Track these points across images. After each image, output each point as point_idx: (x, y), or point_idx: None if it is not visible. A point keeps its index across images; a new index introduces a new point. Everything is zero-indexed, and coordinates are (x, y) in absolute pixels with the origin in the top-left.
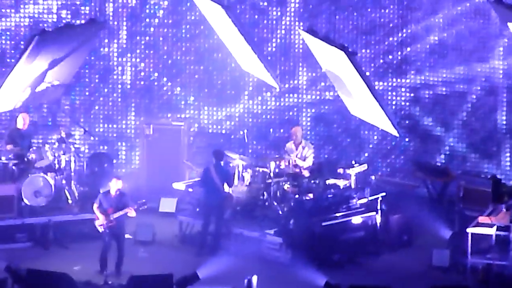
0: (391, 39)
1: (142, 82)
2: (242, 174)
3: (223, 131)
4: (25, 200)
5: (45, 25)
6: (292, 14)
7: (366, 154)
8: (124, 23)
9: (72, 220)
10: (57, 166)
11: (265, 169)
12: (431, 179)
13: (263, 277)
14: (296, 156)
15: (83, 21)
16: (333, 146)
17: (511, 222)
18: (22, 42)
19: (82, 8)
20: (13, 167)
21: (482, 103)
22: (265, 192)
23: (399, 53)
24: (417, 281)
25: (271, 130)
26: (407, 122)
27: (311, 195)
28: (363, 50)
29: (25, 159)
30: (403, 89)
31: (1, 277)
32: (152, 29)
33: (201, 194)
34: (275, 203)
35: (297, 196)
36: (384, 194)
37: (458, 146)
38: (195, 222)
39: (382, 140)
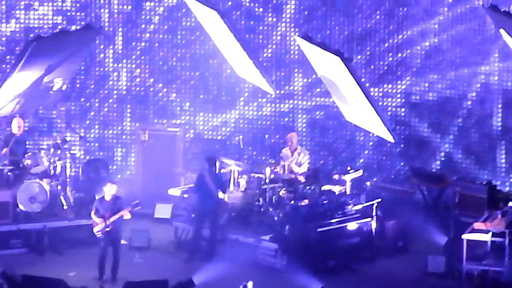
0: (386, 44)
1: (137, 88)
2: (237, 180)
3: (219, 137)
4: (20, 206)
5: (41, 31)
6: (288, 20)
7: (362, 160)
8: (120, 29)
9: (67, 226)
10: (52, 172)
11: (260, 175)
12: (426, 185)
13: (258, 283)
14: (292, 162)
15: (78, 27)
16: (328, 152)
17: (506, 228)
18: (17, 48)
19: (78, 14)
20: (8, 173)
21: (478, 108)
22: (260, 198)
23: (394, 58)
24: (413, 287)
25: (267, 136)
26: (402, 128)
27: (306, 201)
28: (358, 56)
29: (20, 165)
30: (398, 95)
31: None
32: (147, 35)
33: (195, 200)
34: (271, 209)
35: (292, 202)
36: (379, 200)
37: (453, 152)
38: (191, 228)
39: (377, 146)
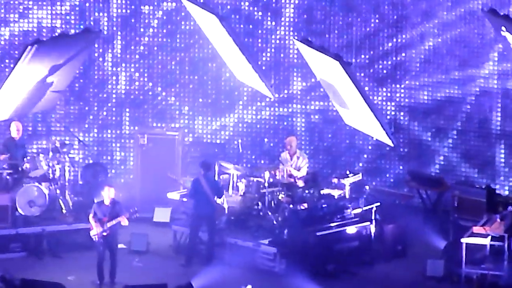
0: (385, 47)
1: (136, 92)
2: (236, 184)
3: (218, 141)
4: (19, 210)
5: (39, 35)
6: (287, 24)
7: (361, 164)
8: (119, 33)
9: (66, 230)
10: (51, 175)
11: (259, 179)
12: (425, 189)
13: (257, 287)
14: (291, 166)
15: (77, 31)
16: (327, 156)
17: (505, 232)
18: (16, 52)
19: (77, 18)
20: (7, 177)
21: (477, 111)
22: (259, 202)
23: (392, 62)
24: None
25: (266, 140)
26: (401, 131)
27: (305, 205)
28: (358, 59)
29: (19, 169)
30: (396, 98)
31: None
32: (146, 38)
33: (191, 205)
34: (270, 213)
35: (291, 206)
36: (378, 204)
37: (452, 155)
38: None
39: (376, 150)
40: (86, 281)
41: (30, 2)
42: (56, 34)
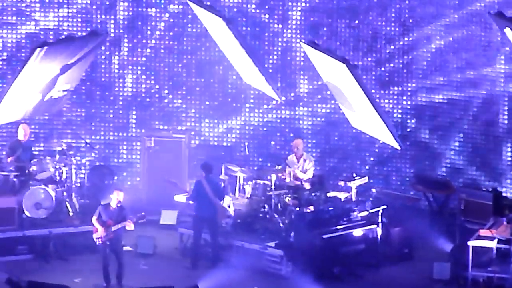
0: (392, 47)
1: (143, 94)
2: (243, 187)
3: (224, 144)
4: (26, 212)
5: (46, 37)
6: (294, 27)
7: (367, 167)
8: (126, 35)
9: (73, 233)
10: (58, 178)
11: (266, 182)
12: (432, 191)
13: None
14: (297, 169)
15: (84, 33)
16: (334, 158)
17: (511, 235)
18: (23, 55)
19: (84, 20)
20: (14, 179)
21: (483, 114)
22: (266, 205)
23: (399, 64)
24: None
25: (272, 142)
26: (408, 134)
27: (312, 208)
28: (365, 61)
29: (26, 171)
30: (403, 101)
31: None
32: (153, 41)
33: (194, 208)
34: (276, 216)
35: (298, 208)
36: (385, 207)
37: (458, 158)
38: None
39: (383, 152)
40: (92, 284)
41: (37, 5)
42: (63, 36)
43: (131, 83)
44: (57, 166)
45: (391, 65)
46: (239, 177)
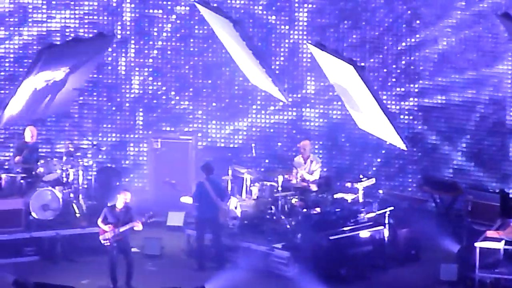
0: (399, 48)
1: (150, 96)
2: (249, 188)
3: (231, 145)
4: (33, 214)
5: (53, 39)
6: (300, 28)
7: (374, 168)
8: (133, 37)
9: (80, 234)
10: (65, 179)
11: (273, 183)
12: (439, 193)
13: None
14: (304, 170)
15: (91, 35)
16: (340, 160)
17: None
18: (30, 57)
19: (91, 22)
20: (21, 181)
21: (491, 114)
22: (272, 206)
23: (405, 62)
24: None
25: (279, 144)
26: (414, 135)
27: (318, 209)
28: (371, 61)
29: (33, 173)
30: (410, 103)
31: None
32: (160, 43)
33: (197, 209)
34: (283, 217)
35: (304, 210)
36: (392, 208)
37: (466, 159)
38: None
39: (390, 154)
40: (99, 285)
41: (44, 7)
42: (70, 38)
43: (138, 84)
44: (64, 168)
45: (398, 65)
46: (246, 178)
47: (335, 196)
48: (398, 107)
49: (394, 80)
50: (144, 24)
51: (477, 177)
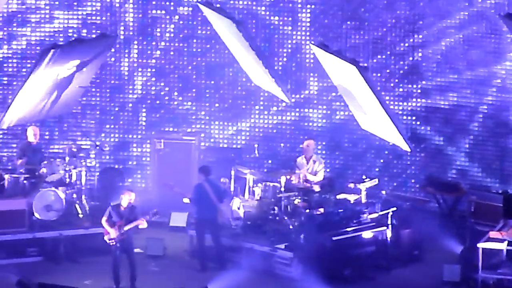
0: (400, 48)
1: (153, 97)
2: (252, 189)
3: (234, 146)
4: (36, 214)
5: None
6: (303, 29)
7: (377, 169)
8: (136, 38)
9: (83, 235)
10: (68, 180)
11: (276, 184)
12: (442, 194)
13: None
14: (307, 171)
15: (94, 36)
16: (343, 160)
17: None
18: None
19: (94, 23)
20: (24, 181)
21: (494, 115)
22: (275, 207)
23: (408, 64)
24: None
25: (282, 144)
26: (418, 136)
27: (321, 210)
28: (374, 61)
29: (36, 173)
30: (413, 103)
31: None
32: (163, 43)
33: (196, 210)
34: (286, 218)
35: (307, 210)
36: (394, 209)
37: (469, 160)
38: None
39: (393, 154)
40: (102, 286)
41: (47, 7)
42: (73, 38)
43: (141, 85)
44: (67, 168)
45: (400, 66)
46: (249, 179)
47: (338, 196)
48: (401, 108)
49: (396, 80)
50: (147, 25)
51: (480, 178)
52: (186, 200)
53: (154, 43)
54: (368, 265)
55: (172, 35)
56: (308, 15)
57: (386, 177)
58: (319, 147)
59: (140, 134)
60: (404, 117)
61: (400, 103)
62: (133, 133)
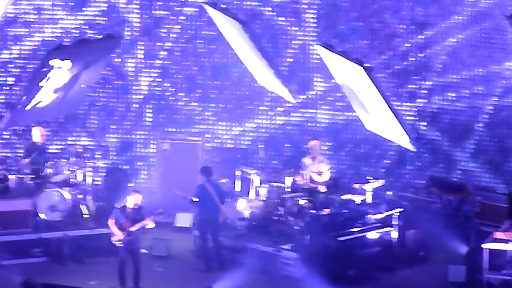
0: (405, 48)
1: (158, 97)
2: (258, 189)
3: (239, 146)
4: (41, 215)
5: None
6: (308, 29)
7: (382, 170)
8: (141, 38)
9: (88, 235)
10: (73, 181)
11: (281, 184)
12: (447, 194)
13: None
14: (312, 171)
15: (99, 36)
16: (348, 161)
17: None
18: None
19: (99, 23)
20: (29, 182)
21: (499, 114)
22: (280, 207)
23: (414, 63)
24: None
25: (287, 145)
26: (423, 137)
27: (327, 210)
28: (379, 61)
29: (41, 174)
30: (418, 104)
31: None
32: (168, 44)
33: (198, 211)
34: (291, 218)
35: (313, 211)
36: (400, 209)
37: (474, 160)
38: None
39: (398, 155)
40: (107, 286)
41: (52, 9)
42: (78, 39)
43: (146, 85)
44: (72, 169)
45: (405, 66)
46: (254, 179)
47: (343, 197)
48: (406, 108)
49: (402, 81)
50: (152, 25)
51: (485, 179)
52: (196, 199)
53: (159, 43)
54: (373, 266)
55: (177, 35)
56: (314, 15)
57: (391, 178)
58: (325, 147)
59: (145, 134)
60: (410, 118)
61: (406, 103)
62: (138, 134)
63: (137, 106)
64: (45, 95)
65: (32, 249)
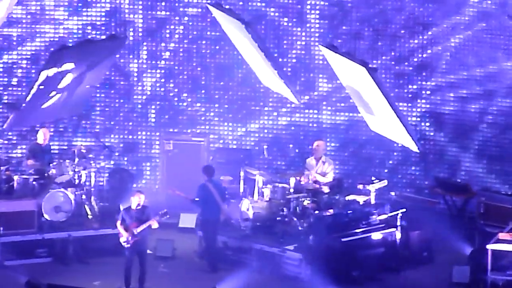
0: (408, 49)
1: (162, 98)
2: (262, 190)
3: (243, 147)
4: (45, 216)
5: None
6: (312, 30)
7: (386, 170)
8: (145, 39)
9: (92, 236)
10: (77, 181)
11: (285, 185)
12: (451, 195)
13: None
14: (316, 172)
15: (103, 37)
16: (352, 162)
17: None
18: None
19: (103, 24)
20: (34, 183)
21: (503, 114)
22: (285, 208)
23: (417, 64)
24: None
25: (291, 145)
26: (427, 137)
27: (331, 211)
28: (382, 61)
29: (46, 175)
30: (422, 105)
31: None
32: (172, 44)
33: (201, 211)
34: (295, 219)
35: (316, 212)
36: (404, 210)
37: (478, 161)
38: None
39: (402, 155)
40: (111, 287)
41: (56, 9)
42: (82, 39)
43: (150, 86)
44: (77, 170)
45: (409, 66)
46: (258, 180)
47: (347, 198)
48: (410, 109)
49: (405, 81)
50: (156, 26)
51: (490, 179)
52: (197, 199)
53: (163, 44)
54: (377, 267)
55: (181, 36)
56: (317, 16)
57: (395, 178)
58: (329, 148)
59: (149, 135)
60: (413, 118)
61: (409, 104)
62: (142, 134)
63: (141, 106)
64: (49, 96)
65: (37, 249)
